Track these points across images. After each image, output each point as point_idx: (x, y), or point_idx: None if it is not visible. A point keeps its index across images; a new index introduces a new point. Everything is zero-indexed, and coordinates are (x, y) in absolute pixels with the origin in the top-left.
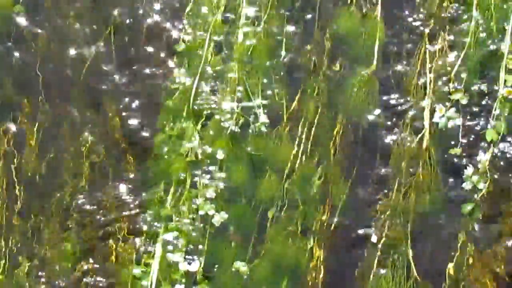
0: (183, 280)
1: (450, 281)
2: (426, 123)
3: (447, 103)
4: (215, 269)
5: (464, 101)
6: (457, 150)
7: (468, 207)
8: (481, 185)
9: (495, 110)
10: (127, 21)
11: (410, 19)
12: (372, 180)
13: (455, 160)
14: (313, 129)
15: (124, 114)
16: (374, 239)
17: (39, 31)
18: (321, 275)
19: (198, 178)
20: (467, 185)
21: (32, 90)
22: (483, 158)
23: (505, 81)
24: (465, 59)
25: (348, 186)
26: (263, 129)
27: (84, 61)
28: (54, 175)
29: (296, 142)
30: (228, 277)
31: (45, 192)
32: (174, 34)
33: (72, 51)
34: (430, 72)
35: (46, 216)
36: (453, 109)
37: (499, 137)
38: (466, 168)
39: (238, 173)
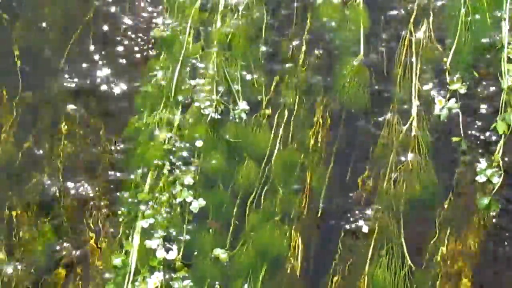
0: (161, 268)
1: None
2: (414, 111)
3: (439, 92)
4: (194, 256)
5: (462, 91)
6: (458, 139)
7: (485, 201)
8: (495, 179)
9: (502, 101)
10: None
11: (394, 6)
12: (352, 167)
13: (446, 148)
14: (293, 116)
15: (102, 102)
16: (365, 229)
17: (18, 17)
18: (300, 262)
19: (176, 165)
20: (481, 178)
21: (10, 78)
22: (495, 151)
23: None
24: (458, 47)
25: (328, 173)
26: (243, 116)
27: (64, 47)
28: (30, 163)
29: (274, 129)
30: (207, 264)
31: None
32: (154, 20)
33: (51, 38)
34: (416, 60)
35: (22, 205)
36: (453, 100)
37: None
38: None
39: (217, 159)
